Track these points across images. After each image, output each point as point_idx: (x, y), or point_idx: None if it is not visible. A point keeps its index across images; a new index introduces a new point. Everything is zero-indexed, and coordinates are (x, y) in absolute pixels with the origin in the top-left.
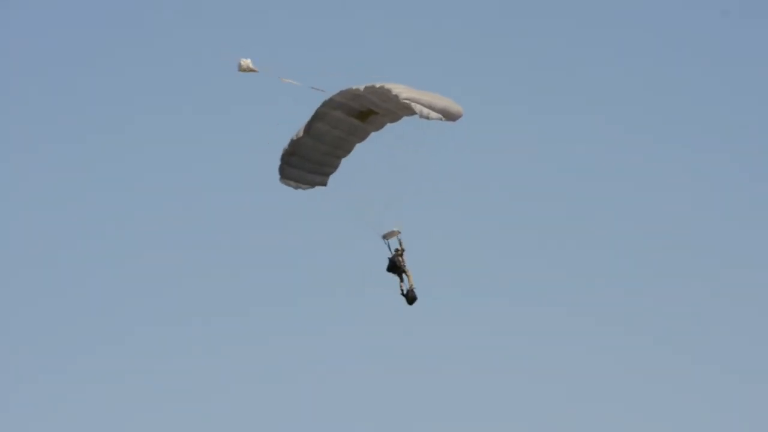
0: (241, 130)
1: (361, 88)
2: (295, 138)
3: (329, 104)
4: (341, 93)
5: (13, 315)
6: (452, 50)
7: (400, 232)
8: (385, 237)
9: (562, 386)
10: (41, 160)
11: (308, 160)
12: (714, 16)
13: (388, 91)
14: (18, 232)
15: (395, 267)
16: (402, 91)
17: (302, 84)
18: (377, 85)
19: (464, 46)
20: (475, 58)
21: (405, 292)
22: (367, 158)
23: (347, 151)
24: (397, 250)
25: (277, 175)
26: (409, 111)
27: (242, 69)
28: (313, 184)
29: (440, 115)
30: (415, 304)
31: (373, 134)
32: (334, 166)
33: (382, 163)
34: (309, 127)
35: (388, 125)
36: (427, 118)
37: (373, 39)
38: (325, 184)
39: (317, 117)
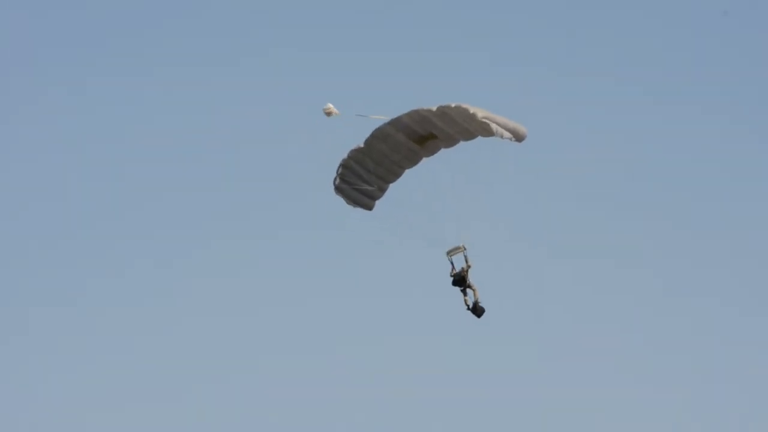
0: None
1: (433, 108)
2: (353, 152)
3: (395, 124)
4: (410, 114)
5: None
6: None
7: (465, 249)
8: (449, 253)
9: None
10: None
11: (361, 178)
12: None
13: (466, 110)
14: None
15: (461, 281)
16: (478, 110)
17: (371, 115)
18: (452, 105)
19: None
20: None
21: (471, 306)
22: (433, 176)
23: (398, 176)
24: (462, 268)
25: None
26: (479, 131)
27: (327, 113)
28: (360, 205)
29: (511, 135)
30: (483, 317)
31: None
32: (383, 191)
33: (447, 180)
34: (370, 147)
35: (443, 151)
36: (501, 137)
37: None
38: (371, 209)
39: (379, 137)
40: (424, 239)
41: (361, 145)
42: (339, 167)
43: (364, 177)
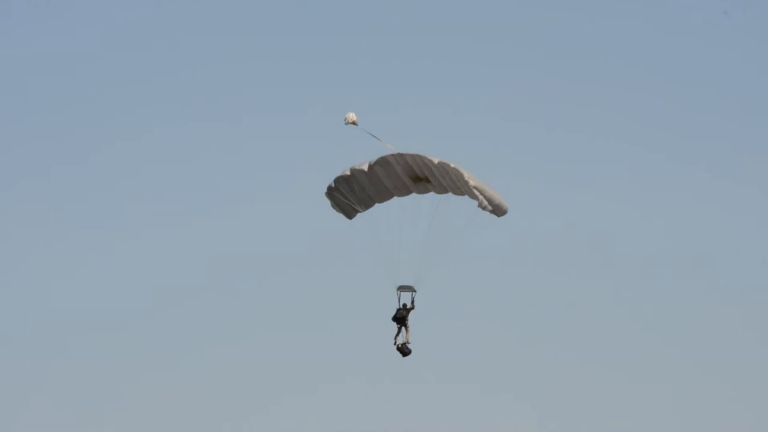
0: None
1: (435, 161)
2: (356, 169)
3: (398, 158)
4: (413, 156)
5: None
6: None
7: (416, 291)
8: (400, 289)
9: None
10: None
11: (353, 192)
12: None
13: (461, 174)
14: None
15: (400, 319)
16: (471, 178)
17: (384, 141)
18: (452, 165)
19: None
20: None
21: (399, 345)
22: (413, 216)
23: (385, 200)
24: (405, 305)
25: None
26: (468, 194)
27: (348, 122)
28: (343, 212)
29: (492, 209)
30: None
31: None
32: (368, 208)
33: (424, 221)
34: (371, 168)
35: (431, 194)
36: (483, 208)
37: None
38: (351, 218)
39: (382, 163)
40: (383, 266)
41: (365, 168)
42: (338, 178)
43: (356, 192)
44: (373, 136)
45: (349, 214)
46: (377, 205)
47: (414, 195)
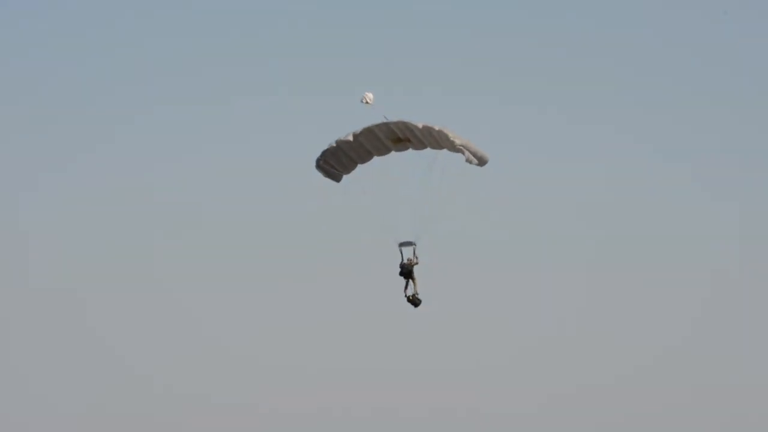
0: None
1: (420, 125)
2: (342, 140)
3: (381, 126)
4: (397, 123)
5: None
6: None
7: (415, 244)
8: (402, 245)
9: None
10: None
11: (340, 161)
12: None
13: (446, 135)
14: None
15: (407, 273)
16: (456, 137)
17: (382, 112)
18: (436, 128)
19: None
20: None
21: (409, 296)
22: (402, 171)
23: (365, 162)
24: (410, 260)
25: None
26: (449, 149)
27: (365, 101)
28: (332, 177)
29: (478, 162)
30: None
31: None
32: (351, 170)
33: (415, 180)
34: (356, 139)
35: (410, 151)
36: (470, 162)
37: None
38: (339, 181)
39: (364, 133)
40: (380, 226)
41: (350, 138)
42: (325, 152)
43: (342, 160)
44: (385, 117)
45: (337, 177)
46: (366, 170)
47: (393, 153)
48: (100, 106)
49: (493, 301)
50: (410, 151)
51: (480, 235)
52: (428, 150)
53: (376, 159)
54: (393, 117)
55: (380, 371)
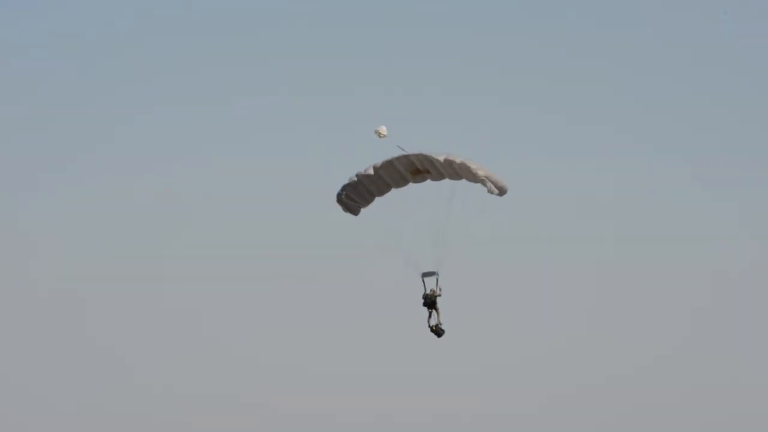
0: None
1: (441, 158)
2: (362, 174)
3: (401, 158)
4: (417, 155)
5: None
6: None
7: (438, 274)
8: (425, 275)
9: None
10: None
11: (359, 194)
12: None
13: (468, 167)
14: None
15: (431, 304)
16: (480, 168)
17: (398, 144)
18: (458, 161)
19: None
20: None
21: (433, 326)
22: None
23: (383, 194)
24: (432, 290)
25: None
26: (470, 180)
27: (379, 134)
28: (351, 212)
29: (498, 192)
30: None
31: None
32: (369, 203)
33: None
34: (376, 172)
35: (428, 182)
36: (491, 192)
37: None
38: (357, 215)
39: (384, 165)
40: (402, 258)
41: (371, 172)
42: (346, 186)
43: (363, 194)
44: (400, 148)
45: (356, 211)
46: (383, 203)
47: (411, 185)
48: (100, 106)
49: (493, 301)
50: (428, 182)
51: (480, 236)
52: (446, 181)
53: (393, 191)
54: (401, 143)
55: (380, 372)
